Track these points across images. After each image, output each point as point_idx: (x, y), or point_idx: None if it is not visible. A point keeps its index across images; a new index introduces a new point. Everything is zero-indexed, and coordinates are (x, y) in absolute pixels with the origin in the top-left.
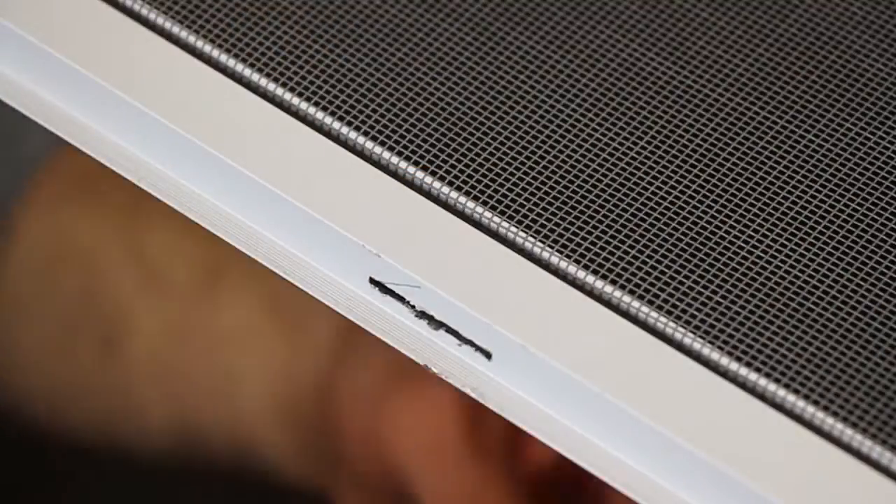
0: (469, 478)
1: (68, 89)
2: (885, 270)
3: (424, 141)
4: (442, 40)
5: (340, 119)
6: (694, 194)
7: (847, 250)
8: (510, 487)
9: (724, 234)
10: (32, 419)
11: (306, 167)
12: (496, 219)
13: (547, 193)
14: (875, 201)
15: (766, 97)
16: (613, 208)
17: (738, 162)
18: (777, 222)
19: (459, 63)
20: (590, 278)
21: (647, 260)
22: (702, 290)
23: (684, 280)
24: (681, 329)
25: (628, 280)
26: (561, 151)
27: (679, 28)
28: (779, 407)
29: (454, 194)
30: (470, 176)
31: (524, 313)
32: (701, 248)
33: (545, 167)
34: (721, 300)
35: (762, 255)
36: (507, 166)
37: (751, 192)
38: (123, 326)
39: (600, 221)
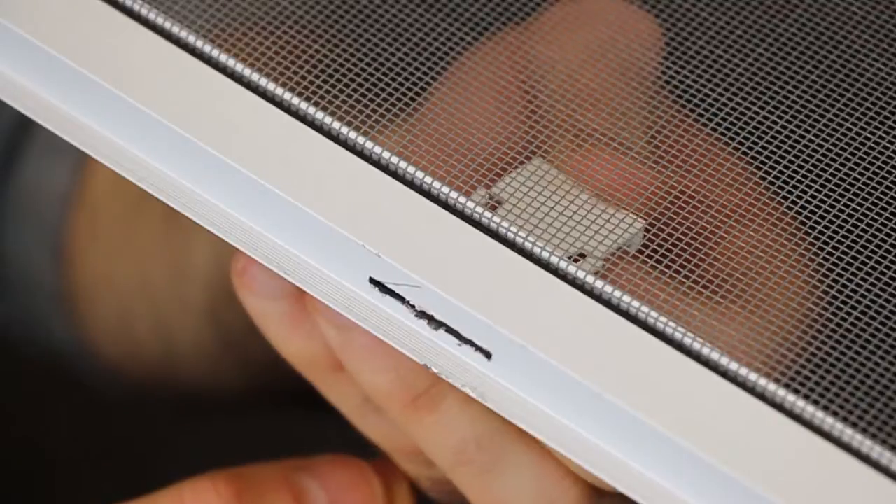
0: None
1: (68, 89)
2: (885, 270)
3: (424, 140)
4: (442, 40)
5: (340, 119)
6: (694, 194)
7: (847, 250)
8: None
9: (725, 234)
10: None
11: (306, 167)
12: (496, 218)
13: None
14: (875, 201)
15: (766, 97)
16: (613, 208)
17: (737, 162)
18: (777, 222)
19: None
20: (590, 278)
21: (647, 259)
22: (701, 289)
23: (684, 279)
24: (681, 329)
25: (667, 266)
26: (560, 150)
27: (679, 28)
28: (779, 407)
29: (454, 194)
30: (470, 175)
31: (524, 313)
32: (701, 247)
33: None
34: (721, 299)
35: (762, 254)
36: (507, 166)
37: (750, 191)
38: None
39: (599, 222)
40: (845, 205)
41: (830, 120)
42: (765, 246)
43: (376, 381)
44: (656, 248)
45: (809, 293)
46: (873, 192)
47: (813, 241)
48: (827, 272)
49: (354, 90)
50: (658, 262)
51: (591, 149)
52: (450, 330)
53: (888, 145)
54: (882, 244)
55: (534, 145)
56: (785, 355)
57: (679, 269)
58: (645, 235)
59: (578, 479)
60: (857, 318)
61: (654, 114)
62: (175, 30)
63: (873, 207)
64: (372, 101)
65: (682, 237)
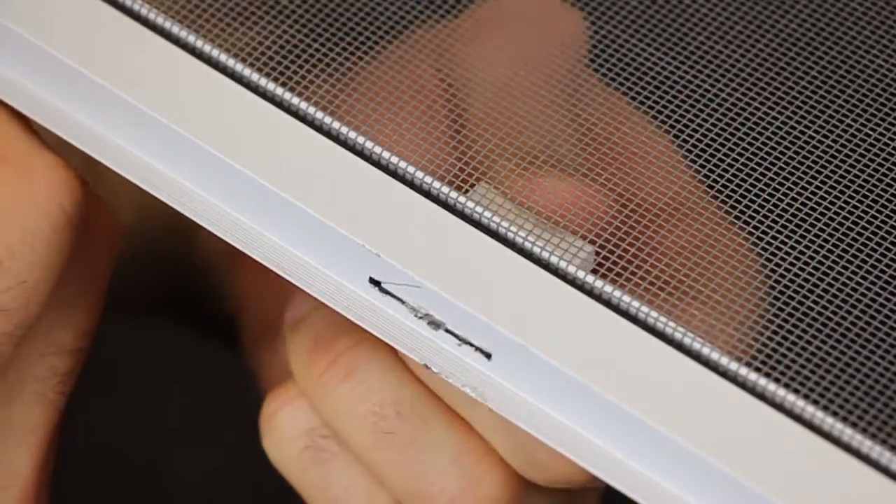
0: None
1: (68, 89)
2: (884, 270)
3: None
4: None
5: (340, 119)
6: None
7: (847, 250)
8: None
9: (724, 232)
10: None
11: (306, 166)
12: (496, 218)
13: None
14: (875, 200)
15: (766, 94)
16: (612, 208)
17: (736, 159)
18: (776, 221)
19: None
20: (589, 278)
21: (646, 259)
22: (701, 288)
23: (683, 279)
24: (681, 329)
25: (627, 279)
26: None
27: (679, 24)
28: (779, 407)
29: (454, 194)
30: (470, 175)
31: (524, 313)
32: (700, 246)
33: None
34: (721, 299)
35: (762, 254)
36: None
37: (750, 189)
38: None
39: (600, 213)
40: (845, 204)
41: (830, 116)
42: (710, 243)
43: (299, 354)
44: (612, 264)
45: (757, 287)
46: (873, 191)
47: (813, 239)
48: (826, 272)
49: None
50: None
51: (536, 174)
52: (449, 330)
53: (888, 143)
54: (881, 244)
55: (471, 167)
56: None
57: (633, 276)
58: (595, 259)
59: (501, 461)
60: (857, 318)
61: (582, 114)
62: (175, 29)
63: (873, 207)
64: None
65: (630, 245)
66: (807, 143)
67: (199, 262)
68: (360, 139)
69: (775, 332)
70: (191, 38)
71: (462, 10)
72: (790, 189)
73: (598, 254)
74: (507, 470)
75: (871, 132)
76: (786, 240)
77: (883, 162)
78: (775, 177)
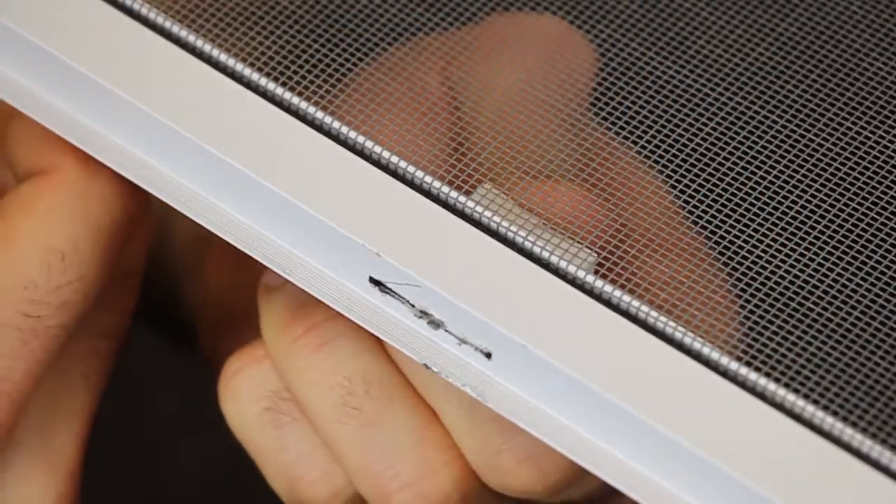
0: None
1: (68, 89)
2: (884, 270)
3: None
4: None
5: (340, 118)
6: (693, 193)
7: (847, 250)
8: None
9: (724, 234)
10: None
11: (306, 166)
12: (496, 218)
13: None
14: (875, 201)
15: (766, 96)
16: (612, 207)
17: (737, 161)
18: (777, 222)
19: None
20: (590, 278)
21: (647, 259)
22: (701, 289)
23: (683, 279)
24: (681, 328)
25: (627, 279)
26: (560, 151)
27: (679, 27)
28: (779, 407)
29: (454, 194)
30: (470, 175)
31: (524, 313)
32: (701, 246)
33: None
34: (720, 299)
35: (762, 254)
36: (506, 165)
37: (750, 191)
38: None
39: (599, 221)
40: (845, 204)
41: (830, 119)
42: (687, 275)
43: (272, 318)
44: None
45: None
46: (873, 191)
47: (813, 240)
48: (827, 272)
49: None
50: (657, 261)
51: (545, 181)
52: (449, 330)
53: (888, 145)
54: (882, 244)
55: (471, 168)
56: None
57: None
58: (598, 271)
59: (462, 457)
60: (857, 318)
61: (584, 141)
62: (175, 29)
63: (873, 207)
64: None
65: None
66: (807, 145)
67: (163, 261)
68: (360, 139)
69: (775, 333)
70: (191, 38)
71: (462, 20)
72: (791, 190)
73: (599, 261)
74: (465, 467)
75: (871, 134)
76: (786, 241)
77: (883, 164)
78: (776, 179)
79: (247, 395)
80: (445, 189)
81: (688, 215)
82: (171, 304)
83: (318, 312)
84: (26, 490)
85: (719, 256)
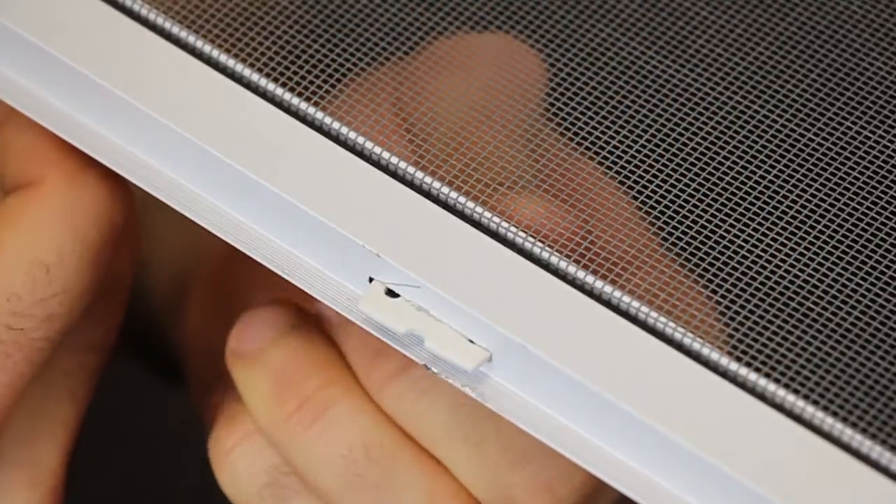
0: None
1: (68, 89)
2: (884, 270)
3: (424, 140)
4: (442, 40)
5: (340, 118)
6: (693, 193)
7: (847, 250)
8: None
9: (724, 234)
10: None
11: (306, 167)
12: (496, 218)
13: (546, 192)
14: (875, 201)
15: (766, 96)
16: (613, 207)
17: (737, 161)
18: (777, 221)
19: None
20: (589, 278)
21: (647, 260)
22: (701, 289)
23: (683, 279)
24: (681, 329)
25: (627, 280)
26: (560, 150)
27: (679, 27)
28: (779, 407)
29: (454, 194)
30: (469, 175)
31: (524, 313)
32: (700, 247)
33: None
34: (721, 300)
35: (762, 254)
36: (507, 165)
37: (750, 191)
38: None
39: (600, 220)
40: (845, 204)
41: (830, 119)
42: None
43: (257, 391)
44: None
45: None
46: (873, 191)
47: (813, 240)
48: (827, 272)
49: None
50: (657, 261)
51: (505, 193)
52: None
53: (888, 145)
54: (882, 244)
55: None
56: None
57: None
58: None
59: (472, 499)
60: (857, 318)
61: (538, 150)
62: (175, 30)
63: (873, 207)
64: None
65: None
66: (807, 144)
67: (148, 303)
68: (360, 139)
69: (775, 333)
70: (191, 38)
71: (462, 20)
72: (791, 190)
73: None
74: None
75: (871, 134)
76: (786, 241)
77: (883, 164)
78: (775, 179)
79: (245, 472)
80: (445, 189)
81: (645, 216)
82: (158, 345)
83: (308, 382)
84: (9, 498)
85: (719, 255)
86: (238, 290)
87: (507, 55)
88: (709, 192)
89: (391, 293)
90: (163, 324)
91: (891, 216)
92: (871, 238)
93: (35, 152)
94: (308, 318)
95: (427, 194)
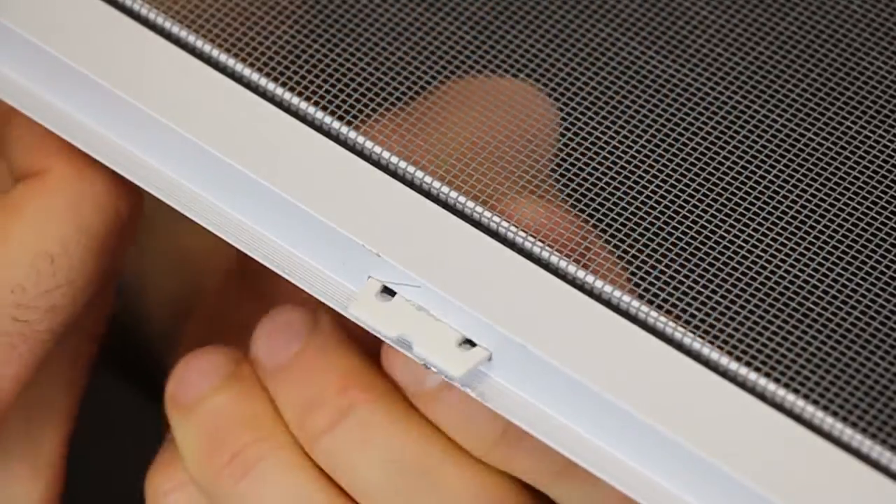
0: None
1: (68, 89)
2: (884, 270)
3: (424, 140)
4: (442, 40)
5: (340, 119)
6: (693, 193)
7: (847, 250)
8: None
9: (724, 234)
10: None
11: (306, 167)
12: (496, 218)
13: (545, 192)
14: (875, 201)
15: (766, 96)
16: (613, 207)
17: (737, 160)
18: (777, 221)
19: (459, 62)
20: (589, 278)
21: (647, 259)
22: (702, 289)
23: (684, 279)
24: (681, 328)
25: (628, 279)
26: (560, 150)
27: (679, 26)
28: (779, 407)
29: (454, 194)
30: (469, 175)
31: (524, 313)
32: (701, 247)
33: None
34: (721, 300)
35: (762, 254)
36: (506, 166)
37: (750, 191)
38: None
39: (600, 220)
40: (845, 204)
41: (830, 119)
42: None
43: (191, 444)
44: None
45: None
46: (873, 191)
47: (813, 240)
48: (827, 272)
49: (354, 90)
50: (658, 261)
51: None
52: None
53: (888, 145)
54: (882, 244)
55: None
56: None
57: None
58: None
59: None
60: (857, 318)
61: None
62: (175, 30)
63: (873, 207)
64: (372, 100)
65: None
66: (807, 144)
67: (147, 331)
68: (360, 139)
69: (775, 333)
70: (191, 38)
71: (462, 20)
72: (791, 190)
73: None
74: None
75: (871, 134)
76: (786, 241)
77: (883, 163)
78: (775, 178)
79: None
80: (445, 189)
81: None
82: (155, 370)
83: (235, 436)
84: (10, 490)
85: (719, 256)
86: (230, 329)
87: (522, 101)
88: (709, 192)
89: (388, 291)
90: (158, 350)
91: (891, 216)
92: (871, 238)
93: (42, 142)
94: (244, 366)
95: (427, 194)
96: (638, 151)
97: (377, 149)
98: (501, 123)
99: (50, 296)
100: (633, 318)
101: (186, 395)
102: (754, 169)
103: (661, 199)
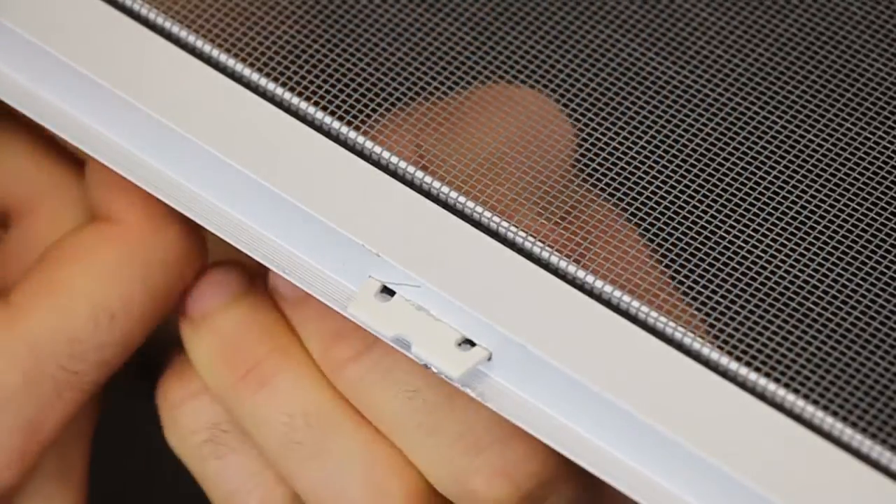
0: None
1: (68, 89)
2: (884, 270)
3: (424, 140)
4: (442, 40)
5: (340, 119)
6: (693, 194)
7: (847, 250)
8: None
9: (724, 234)
10: None
11: (306, 167)
12: (496, 218)
13: (545, 195)
14: (875, 201)
15: (766, 97)
16: (614, 208)
17: (737, 162)
18: (777, 222)
19: (459, 63)
20: (589, 278)
21: (647, 259)
22: (702, 289)
23: (684, 279)
24: (681, 329)
25: (628, 280)
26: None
27: (679, 28)
28: (779, 407)
29: (454, 194)
30: (469, 175)
31: (524, 313)
32: (701, 247)
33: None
34: (721, 300)
35: (762, 254)
36: (506, 168)
37: (750, 191)
38: None
39: (600, 221)
40: (845, 205)
41: (830, 120)
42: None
43: (206, 354)
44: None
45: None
46: (873, 192)
47: (813, 240)
48: (827, 272)
49: (354, 90)
50: (658, 261)
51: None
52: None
53: (888, 145)
54: (882, 244)
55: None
56: None
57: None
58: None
59: (412, 471)
60: (857, 318)
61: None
62: (175, 30)
63: (873, 207)
64: (372, 100)
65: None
66: (807, 145)
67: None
68: (360, 139)
69: (775, 333)
70: (191, 38)
71: (462, 20)
72: (791, 190)
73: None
74: (417, 482)
75: (871, 134)
76: (786, 241)
77: (883, 164)
78: (776, 179)
79: (188, 427)
80: (445, 189)
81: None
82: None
83: (253, 347)
84: None
85: (719, 256)
86: None
87: (539, 112)
88: (709, 193)
89: (388, 291)
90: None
91: (891, 216)
92: (872, 238)
93: (123, 184)
94: (259, 285)
95: (427, 194)
96: (638, 152)
97: (377, 149)
98: (516, 133)
99: (103, 351)
100: (633, 318)
101: (202, 308)
102: (754, 170)
103: (662, 200)
